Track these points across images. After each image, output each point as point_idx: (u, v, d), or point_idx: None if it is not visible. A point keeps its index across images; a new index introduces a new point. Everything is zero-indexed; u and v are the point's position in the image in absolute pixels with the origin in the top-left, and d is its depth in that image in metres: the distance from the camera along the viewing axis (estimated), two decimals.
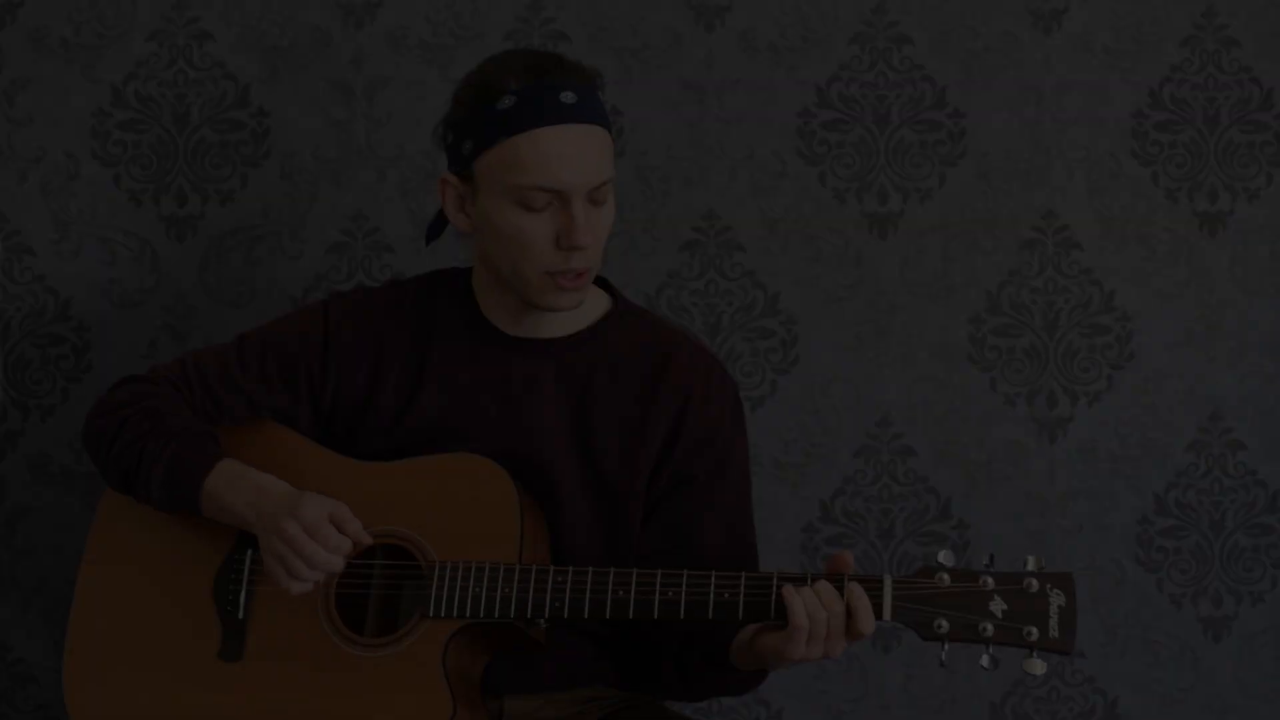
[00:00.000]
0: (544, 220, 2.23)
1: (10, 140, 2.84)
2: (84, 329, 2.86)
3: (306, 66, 2.85)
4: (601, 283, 2.42)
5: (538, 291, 2.27)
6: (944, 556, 2.09)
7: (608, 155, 2.27)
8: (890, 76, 2.88)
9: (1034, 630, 2.05)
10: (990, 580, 2.07)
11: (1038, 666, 2.05)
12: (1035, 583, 2.06)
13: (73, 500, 2.85)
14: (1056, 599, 2.06)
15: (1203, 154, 2.90)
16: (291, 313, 2.46)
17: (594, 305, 2.38)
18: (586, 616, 2.17)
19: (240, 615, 2.27)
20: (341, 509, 2.21)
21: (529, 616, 2.19)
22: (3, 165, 2.84)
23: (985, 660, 2.06)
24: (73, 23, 2.83)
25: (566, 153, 2.22)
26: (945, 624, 2.06)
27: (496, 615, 2.18)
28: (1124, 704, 2.93)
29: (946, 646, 2.07)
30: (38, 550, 2.87)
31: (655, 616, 2.15)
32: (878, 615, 2.08)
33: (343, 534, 2.20)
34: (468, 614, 2.19)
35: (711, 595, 2.14)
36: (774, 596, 2.12)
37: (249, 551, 2.29)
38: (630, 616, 2.16)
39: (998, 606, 2.06)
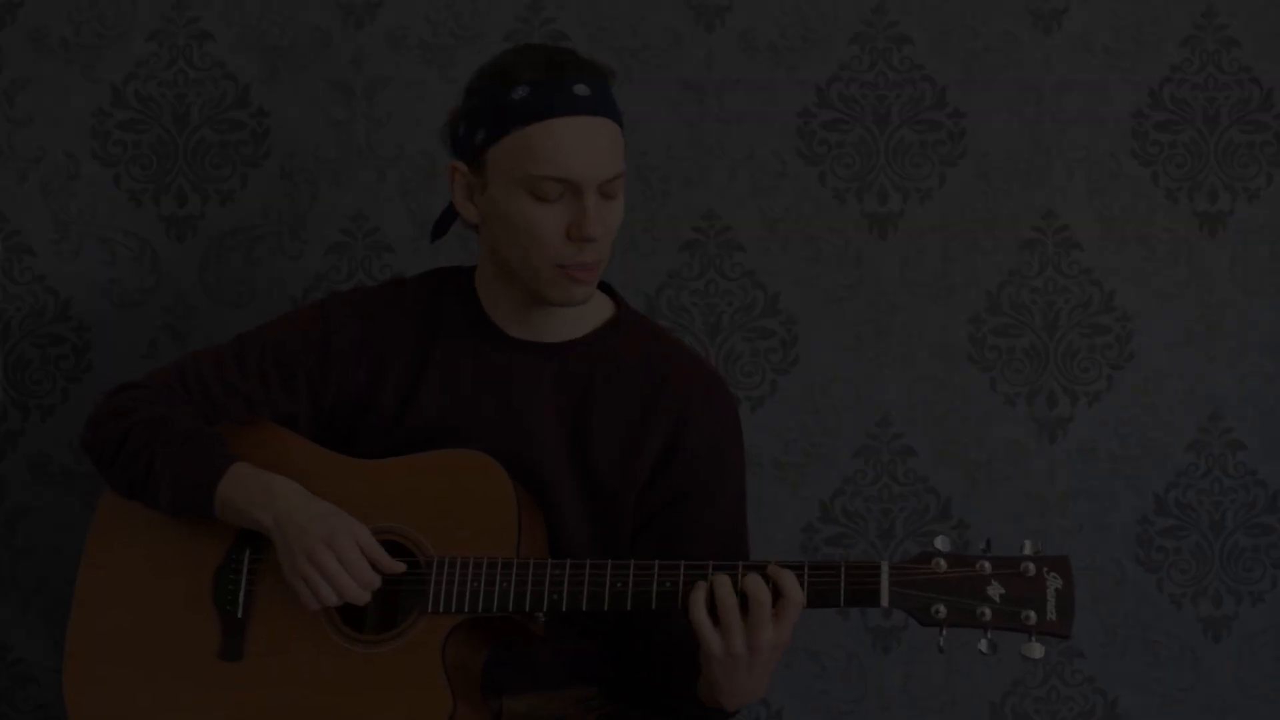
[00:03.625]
0: (556, 211, 2.22)
1: (10, 140, 2.84)
2: (84, 329, 2.86)
3: (306, 66, 2.85)
4: (605, 288, 2.42)
5: (548, 284, 2.26)
6: (940, 542, 2.08)
7: (619, 149, 2.26)
8: (890, 76, 2.88)
9: (1032, 614, 2.04)
10: (987, 565, 2.07)
11: (1036, 650, 2.04)
12: (1032, 566, 2.06)
13: (73, 500, 2.85)
14: (1054, 582, 2.05)
15: (1203, 154, 2.90)
16: (291, 312, 2.46)
17: (597, 311, 2.38)
18: (584, 609, 2.17)
19: (240, 614, 2.27)
20: (365, 534, 2.21)
21: (527, 610, 2.18)
22: (3, 165, 2.84)
23: (983, 645, 2.05)
24: (73, 23, 2.84)
25: (580, 144, 2.21)
26: (943, 609, 2.06)
27: (495, 609, 2.18)
28: (1124, 704, 2.92)
29: (944, 632, 2.07)
30: (38, 550, 2.87)
31: (653, 608, 2.15)
32: (875, 603, 2.07)
33: (375, 565, 2.20)
34: (466, 609, 2.18)
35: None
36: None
37: (247, 550, 2.29)
38: (629, 608, 2.15)
39: (995, 591, 2.05)
